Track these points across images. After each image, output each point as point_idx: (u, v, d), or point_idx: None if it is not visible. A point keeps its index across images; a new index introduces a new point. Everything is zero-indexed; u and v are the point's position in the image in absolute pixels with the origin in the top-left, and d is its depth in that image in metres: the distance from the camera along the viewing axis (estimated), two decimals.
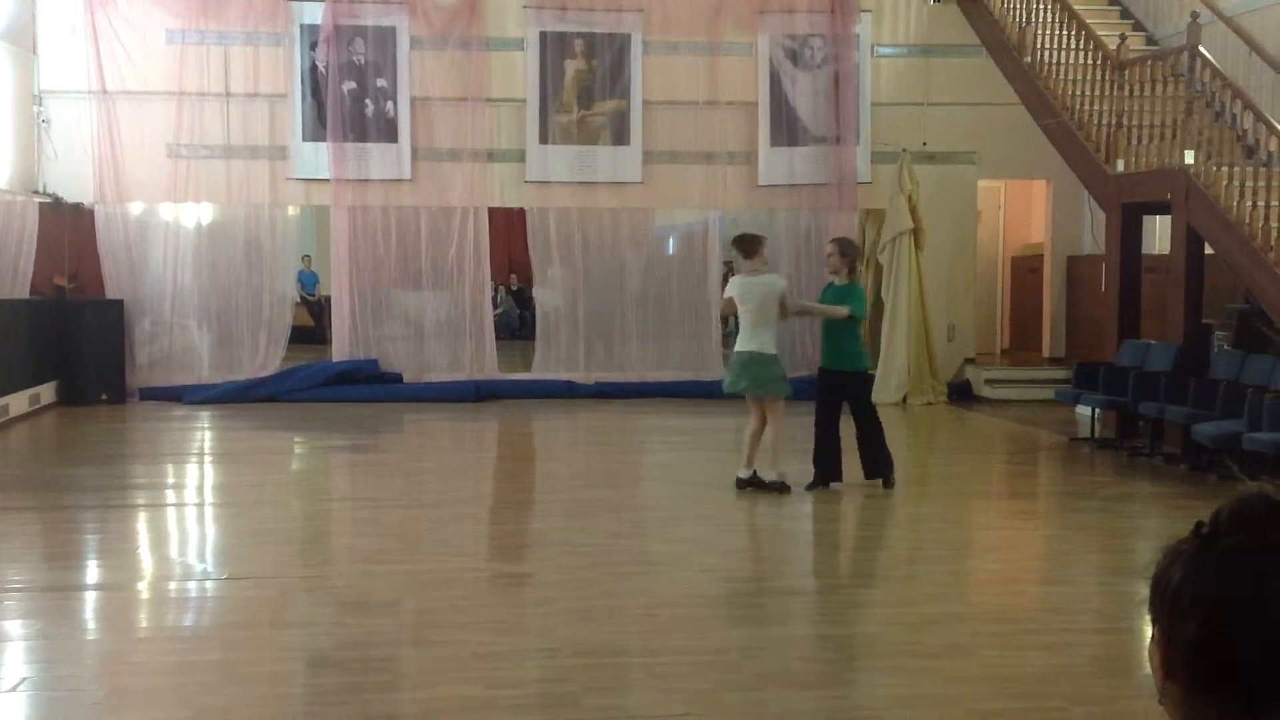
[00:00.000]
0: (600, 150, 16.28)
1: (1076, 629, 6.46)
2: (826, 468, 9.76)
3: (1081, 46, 13.68)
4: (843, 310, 9.61)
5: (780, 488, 9.53)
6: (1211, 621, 1.26)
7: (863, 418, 9.85)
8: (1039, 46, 14.26)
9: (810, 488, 9.69)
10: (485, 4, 16.09)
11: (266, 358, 16.06)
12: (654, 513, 9.25)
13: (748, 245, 9.66)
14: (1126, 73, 12.87)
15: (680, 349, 16.71)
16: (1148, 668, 1.37)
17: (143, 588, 7.31)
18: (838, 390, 9.76)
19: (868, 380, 10.10)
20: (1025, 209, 18.76)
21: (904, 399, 15.75)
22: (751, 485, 9.60)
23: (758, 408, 9.65)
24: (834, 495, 9.67)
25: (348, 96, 15.87)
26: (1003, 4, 15.10)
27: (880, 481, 9.86)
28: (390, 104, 15.96)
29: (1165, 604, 1.31)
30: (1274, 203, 10.55)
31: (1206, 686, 1.27)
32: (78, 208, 15.69)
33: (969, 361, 16.85)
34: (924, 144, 16.37)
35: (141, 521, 9.18)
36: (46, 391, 14.59)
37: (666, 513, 9.22)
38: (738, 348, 9.66)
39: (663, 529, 8.85)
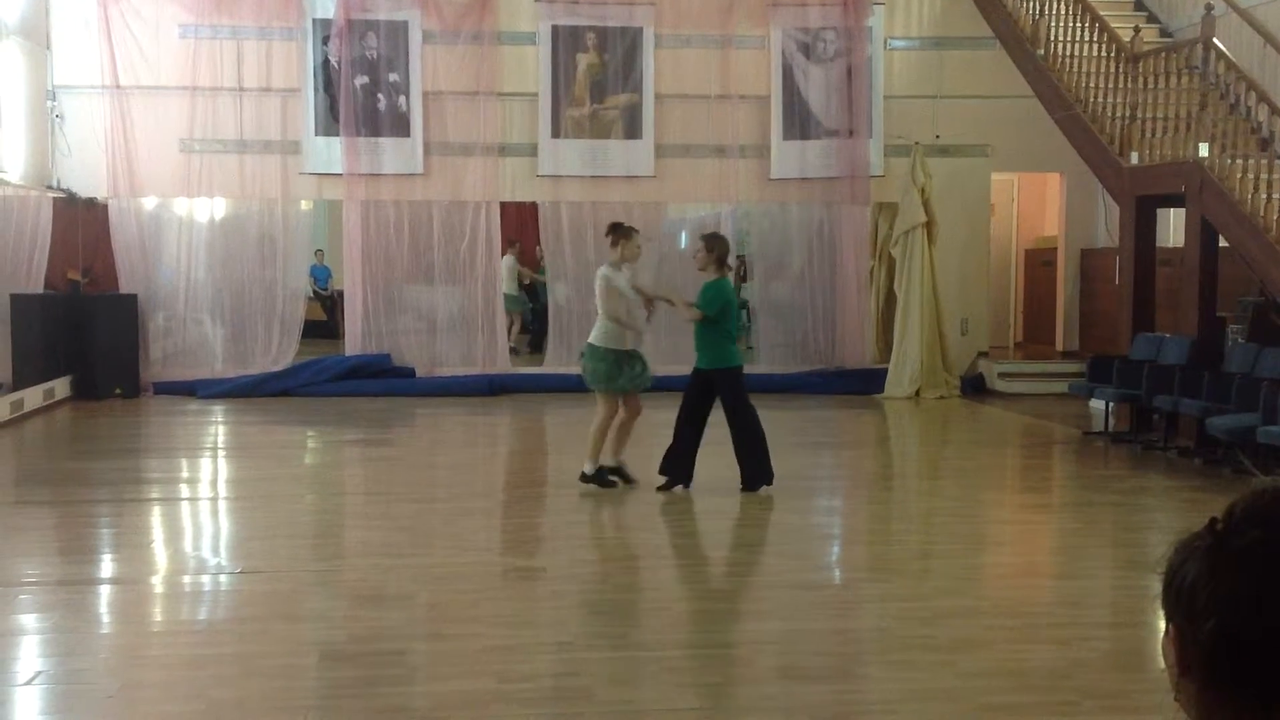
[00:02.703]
0: (612, 144, 16.26)
1: (1090, 623, 6.45)
2: (678, 469, 9.35)
3: (1095, 39, 13.63)
4: (691, 311, 9.34)
5: (598, 479, 9.43)
6: (1227, 619, 1.25)
7: (737, 420, 9.21)
8: (1052, 39, 14.20)
9: (661, 489, 9.33)
10: None
11: (279, 352, 16.10)
12: (665, 506, 9.24)
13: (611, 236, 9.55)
14: (1140, 65, 12.82)
15: (691, 343, 16.60)
16: (1162, 663, 1.36)
17: (157, 582, 7.33)
18: (707, 391, 9.30)
19: (738, 376, 9.28)
20: (1039, 202, 18.71)
21: (917, 392, 15.73)
22: (595, 480, 9.43)
23: (610, 399, 9.48)
24: (843, 490, 9.64)
25: (360, 91, 15.88)
26: None
27: (760, 490, 9.24)
28: (402, 98, 15.97)
29: (1180, 601, 1.30)
30: None
31: (1222, 683, 1.27)
32: (91, 202, 15.73)
33: (982, 355, 16.81)
34: (937, 137, 16.31)
35: (155, 515, 9.21)
36: (61, 386, 14.62)
37: (678, 506, 9.21)
38: None
39: (674, 522, 8.85)
